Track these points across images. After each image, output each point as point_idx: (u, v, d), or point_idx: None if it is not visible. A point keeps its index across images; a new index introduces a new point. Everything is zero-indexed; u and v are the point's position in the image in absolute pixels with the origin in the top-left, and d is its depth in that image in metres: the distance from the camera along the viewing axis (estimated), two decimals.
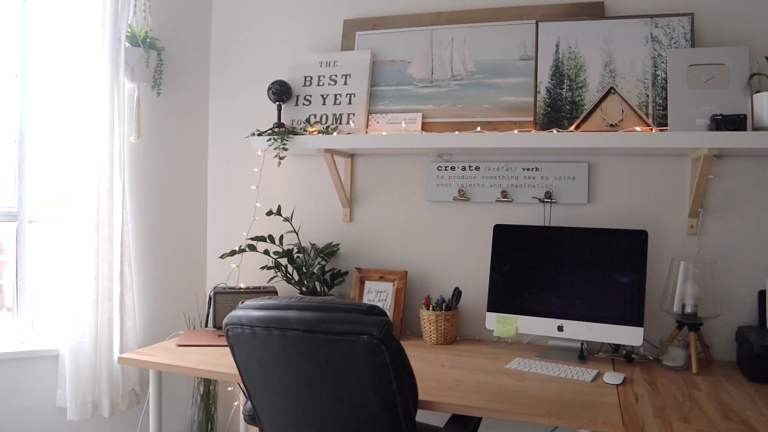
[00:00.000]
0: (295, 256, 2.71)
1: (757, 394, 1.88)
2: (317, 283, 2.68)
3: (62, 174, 2.74)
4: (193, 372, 2.16)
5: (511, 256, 2.43)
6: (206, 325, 2.74)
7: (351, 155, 2.83)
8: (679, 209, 2.39)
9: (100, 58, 2.60)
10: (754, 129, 2.14)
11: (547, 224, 2.53)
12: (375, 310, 1.57)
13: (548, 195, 2.52)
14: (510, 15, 2.58)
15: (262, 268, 2.75)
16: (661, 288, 2.35)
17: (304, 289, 2.67)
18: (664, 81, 2.30)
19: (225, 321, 1.71)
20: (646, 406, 1.76)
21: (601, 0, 2.45)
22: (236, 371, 1.99)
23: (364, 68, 2.71)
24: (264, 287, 2.74)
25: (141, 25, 2.77)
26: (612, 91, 2.36)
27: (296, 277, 2.69)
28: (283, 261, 2.76)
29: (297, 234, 2.79)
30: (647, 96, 2.32)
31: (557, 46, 2.43)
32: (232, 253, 2.65)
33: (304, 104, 2.77)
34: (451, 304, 2.53)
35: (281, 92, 2.69)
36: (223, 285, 2.79)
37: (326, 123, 2.71)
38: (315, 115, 2.74)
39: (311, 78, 2.79)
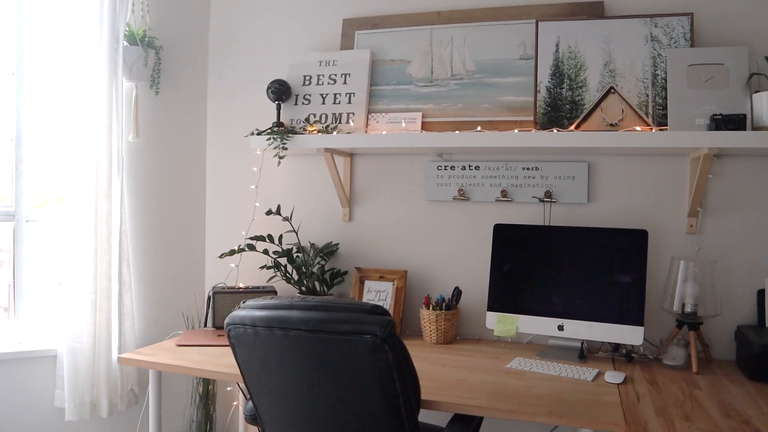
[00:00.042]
0: (295, 255, 2.70)
1: (758, 393, 1.89)
2: (317, 283, 2.67)
3: (60, 173, 2.72)
4: (194, 372, 2.16)
5: (511, 256, 2.43)
6: (205, 325, 2.73)
7: (350, 155, 2.82)
8: (679, 209, 2.39)
9: (98, 56, 2.59)
10: (754, 129, 2.15)
11: (547, 224, 2.53)
12: (378, 310, 1.57)
13: (548, 194, 2.52)
14: (510, 14, 2.58)
15: (262, 267, 2.74)
16: (660, 287, 2.36)
17: (303, 288, 2.66)
18: (663, 81, 2.30)
19: (227, 321, 1.70)
20: (648, 405, 1.77)
21: (600, 0, 2.46)
22: (237, 371, 1.99)
23: (363, 67, 2.71)
24: (263, 287, 2.74)
25: (139, 23, 2.76)
26: (612, 90, 2.36)
27: (296, 276, 2.68)
28: (283, 261, 2.75)
29: (296, 233, 2.78)
30: (647, 96, 2.33)
31: (557, 45, 2.44)
32: (232, 252, 2.64)
33: (303, 103, 2.77)
34: (451, 303, 2.53)
35: (280, 91, 2.69)
36: (222, 285, 2.79)
37: (326, 122, 2.71)
38: (314, 115, 2.74)
39: (310, 77, 2.78)
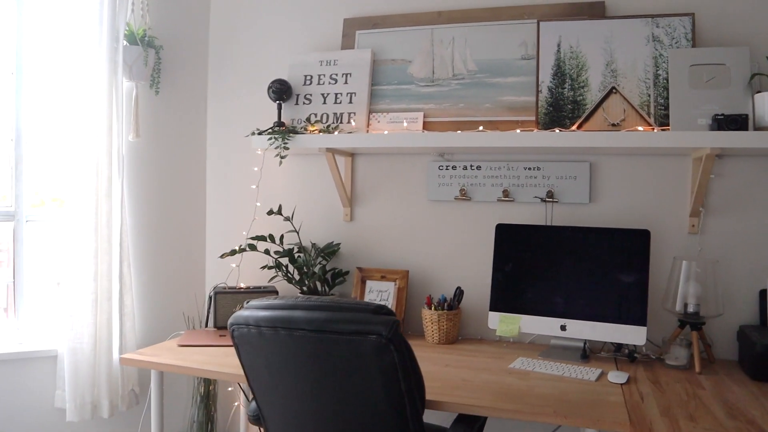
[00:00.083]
0: (296, 255, 2.70)
1: (761, 393, 1.89)
2: (318, 283, 2.67)
3: (60, 173, 2.71)
4: (196, 372, 2.15)
5: (513, 256, 2.43)
6: (206, 325, 2.72)
7: (351, 154, 2.82)
8: (681, 209, 2.40)
9: (98, 56, 2.58)
10: (756, 129, 2.15)
11: (548, 224, 2.53)
12: (383, 310, 1.56)
13: (550, 194, 2.52)
14: (511, 14, 2.58)
15: (263, 267, 2.74)
16: (662, 287, 2.36)
17: (304, 288, 2.66)
18: (665, 81, 2.31)
19: (230, 321, 1.70)
20: (652, 405, 1.77)
21: (602, 0, 2.46)
22: (239, 371, 1.99)
23: (364, 67, 2.71)
24: (264, 287, 2.73)
25: (139, 23, 2.75)
26: (614, 90, 2.36)
27: (297, 276, 2.68)
28: (284, 261, 2.75)
29: (298, 233, 2.78)
30: (649, 96, 2.33)
31: (558, 45, 2.44)
32: (233, 252, 2.63)
33: (304, 103, 2.76)
34: (452, 303, 2.53)
35: (281, 91, 2.68)
36: (223, 285, 2.78)
37: (327, 122, 2.70)
38: (315, 114, 2.73)
39: (311, 77, 2.78)
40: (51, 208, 2.75)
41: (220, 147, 3.06)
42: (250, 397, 1.93)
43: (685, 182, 2.39)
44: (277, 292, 2.71)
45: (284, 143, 2.56)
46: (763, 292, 2.26)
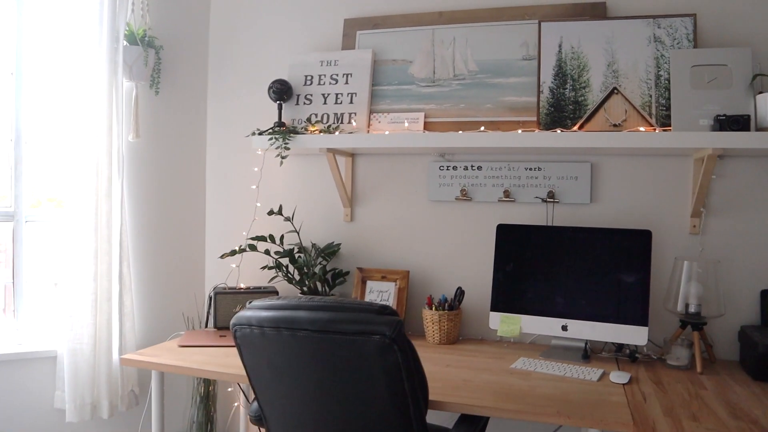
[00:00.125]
0: (297, 256, 2.69)
1: (763, 393, 1.90)
2: (318, 283, 2.66)
3: (60, 174, 2.70)
4: (196, 373, 2.14)
5: (514, 256, 2.43)
6: (206, 326, 2.72)
7: (352, 155, 2.82)
8: (682, 209, 2.40)
9: (97, 56, 2.57)
10: (757, 129, 2.15)
11: (549, 224, 2.53)
12: (387, 310, 1.56)
13: (551, 195, 2.52)
14: (512, 15, 2.58)
15: (263, 268, 2.73)
16: (664, 287, 2.36)
17: (305, 289, 2.65)
18: (667, 81, 2.31)
19: (233, 321, 1.69)
20: (655, 405, 1.77)
21: (603, 0, 2.46)
22: (239, 372, 1.98)
23: (365, 67, 2.70)
24: (264, 287, 2.72)
25: (139, 23, 2.75)
26: (615, 91, 2.36)
27: (297, 277, 2.67)
28: (284, 261, 2.74)
29: (298, 234, 2.77)
30: (650, 96, 2.33)
31: (560, 46, 2.44)
32: (233, 253, 2.63)
33: (304, 103, 2.76)
34: (453, 303, 2.52)
35: (282, 91, 2.68)
36: (223, 285, 2.77)
37: (327, 122, 2.70)
38: (316, 115, 2.73)
39: (312, 77, 2.77)
40: (50, 208, 2.74)
41: (220, 147, 3.05)
42: (251, 397, 1.92)
43: (686, 183, 2.40)
44: (277, 293, 2.70)
45: (285, 143, 2.56)
46: (764, 293, 2.26)
